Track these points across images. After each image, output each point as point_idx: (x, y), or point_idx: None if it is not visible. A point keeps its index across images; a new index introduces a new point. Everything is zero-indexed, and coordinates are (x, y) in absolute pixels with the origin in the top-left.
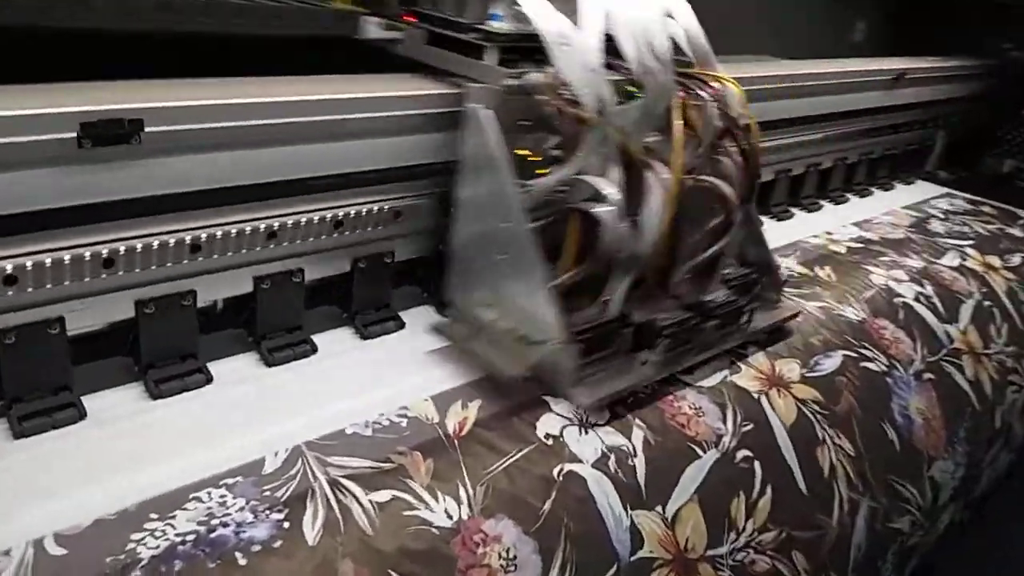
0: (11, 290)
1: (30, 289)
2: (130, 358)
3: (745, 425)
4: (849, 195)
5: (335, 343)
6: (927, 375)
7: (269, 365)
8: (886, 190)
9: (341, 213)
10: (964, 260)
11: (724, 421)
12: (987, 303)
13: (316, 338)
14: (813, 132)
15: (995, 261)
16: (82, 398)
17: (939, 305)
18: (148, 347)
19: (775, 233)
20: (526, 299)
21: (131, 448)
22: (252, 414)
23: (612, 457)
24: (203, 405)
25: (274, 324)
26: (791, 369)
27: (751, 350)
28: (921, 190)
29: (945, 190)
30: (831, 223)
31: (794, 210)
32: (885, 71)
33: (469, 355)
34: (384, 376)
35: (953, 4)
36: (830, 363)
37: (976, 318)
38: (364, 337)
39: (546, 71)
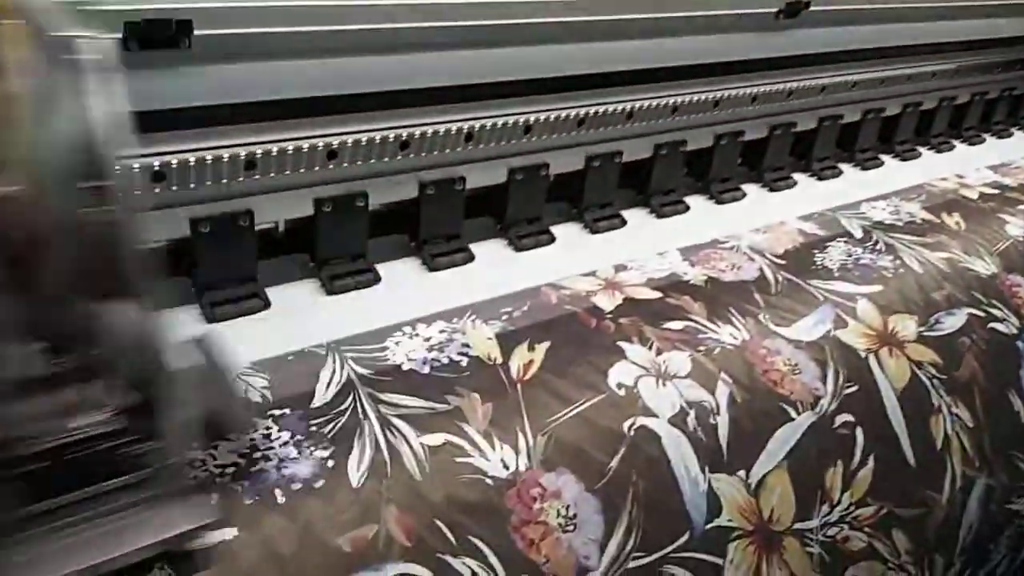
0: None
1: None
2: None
3: (848, 386)
4: (985, 135)
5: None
6: None
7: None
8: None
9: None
10: None
11: (823, 380)
12: None
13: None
14: (945, 62)
15: None
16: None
17: None
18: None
19: (898, 175)
20: None
21: None
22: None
23: (692, 413)
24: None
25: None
26: (906, 326)
27: (860, 301)
28: None
29: None
30: (962, 165)
31: (921, 149)
32: None
33: None
34: None
35: None
36: (952, 322)
37: None
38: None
39: None
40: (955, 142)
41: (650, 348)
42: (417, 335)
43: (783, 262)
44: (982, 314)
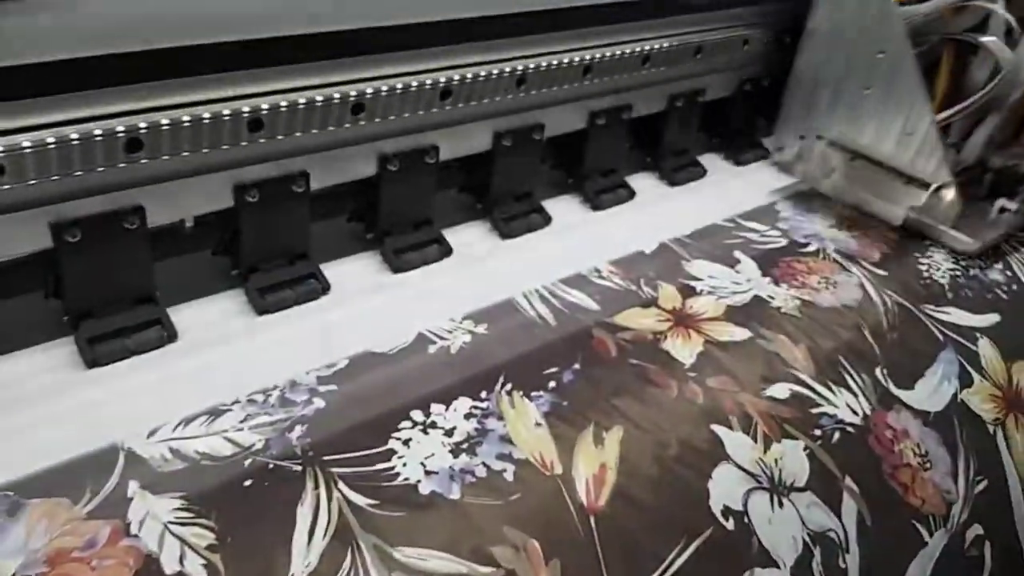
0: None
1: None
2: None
3: (979, 481)
4: None
5: None
6: None
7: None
8: None
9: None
10: None
11: (955, 476)
12: None
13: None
14: None
15: None
16: None
17: None
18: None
19: None
20: (898, 137)
21: None
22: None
23: (817, 554)
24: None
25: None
26: None
27: (980, 342)
28: None
29: None
30: None
31: None
32: None
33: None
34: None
35: None
36: None
37: None
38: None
39: None
40: None
41: (755, 436)
42: (434, 425)
43: (885, 274)
44: None
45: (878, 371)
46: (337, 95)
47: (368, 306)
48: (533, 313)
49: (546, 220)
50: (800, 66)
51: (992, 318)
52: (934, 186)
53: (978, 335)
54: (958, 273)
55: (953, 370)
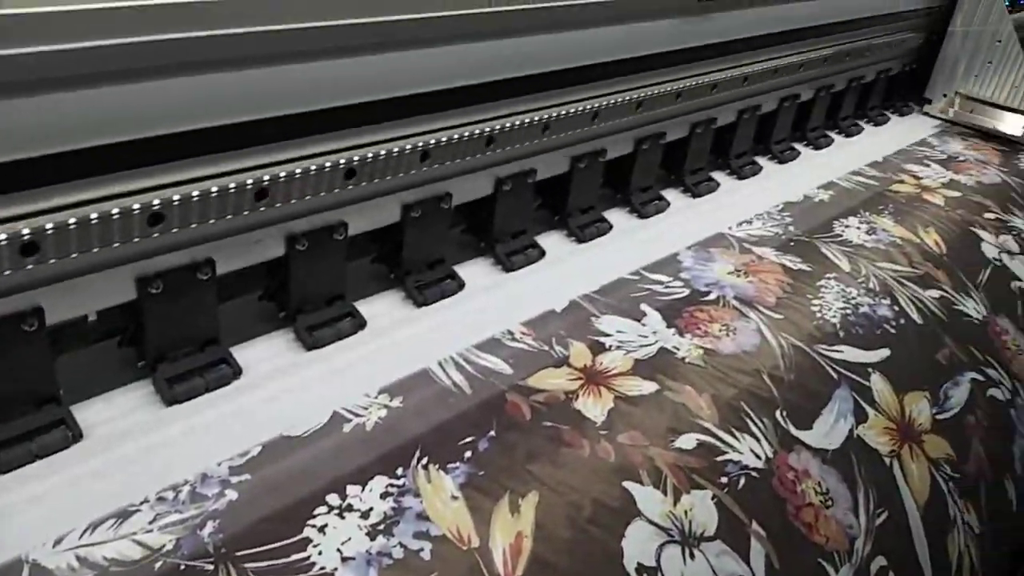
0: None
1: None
2: None
3: (879, 514)
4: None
5: None
6: None
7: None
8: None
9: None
10: None
11: (855, 510)
12: None
13: None
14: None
15: None
16: None
17: None
18: None
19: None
20: (1011, 89)
21: None
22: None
23: None
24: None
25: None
26: (921, 410)
27: (872, 377)
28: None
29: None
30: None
31: (832, 134)
32: None
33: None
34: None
35: None
36: (959, 395)
37: None
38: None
39: None
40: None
41: (664, 489)
42: (350, 508)
43: (780, 317)
44: (982, 378)
45: (778, 413)
46: (234, 184)
47: (282, 387)
48: (448, 382)
49: (459, 285)
50: (945, 53)
51: (883, 353)
52: None
53: (870, 370)
54: (848, 312)
55: (848, 407)
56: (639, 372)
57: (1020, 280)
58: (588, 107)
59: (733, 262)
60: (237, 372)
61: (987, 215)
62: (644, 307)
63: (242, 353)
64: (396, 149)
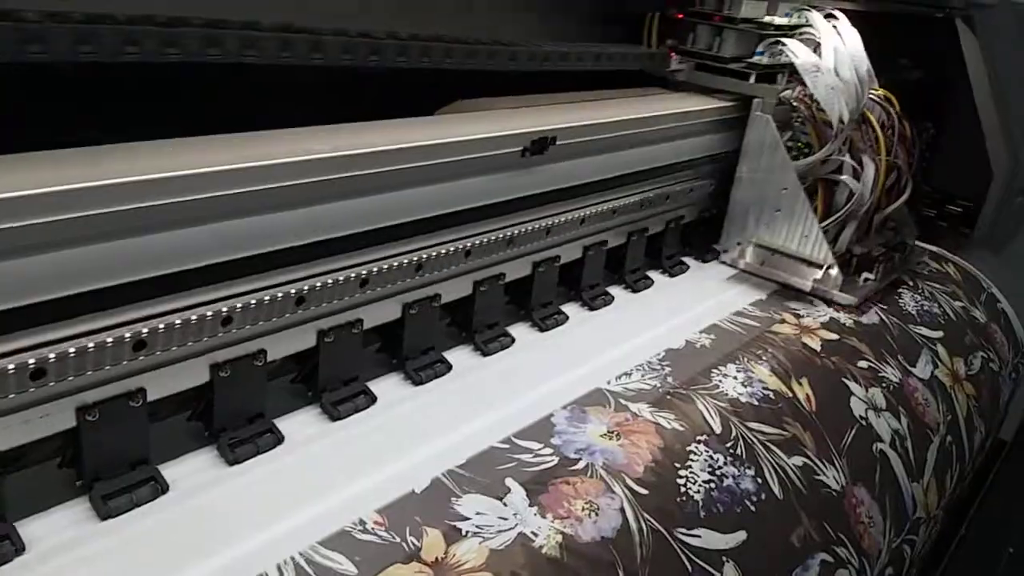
0: None
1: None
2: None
3: None
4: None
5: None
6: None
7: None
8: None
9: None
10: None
11: None
12: (949, 439)
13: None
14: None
15: (961, 368)
16: None
17: (910, 451)
18: None
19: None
20: (799, 240)
21: None
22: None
23: None
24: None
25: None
26: None
27: (725, 568)
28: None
29: None
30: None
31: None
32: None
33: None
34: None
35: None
36: None
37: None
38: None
39: (793, 88)
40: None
41: None
42: None
43: (645, 492)
44: (831, 559)
45: None
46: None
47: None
48: None
49: (371, 400)
50: (734, 199)
51: (739, 536)
52: (825, 267)
53: (724, 559)
54: (713, 486)
55: None
56: (491, 567)
57: (882, 441)
58: (501, 235)
59: (607, 422)
60: (164, 488)
61: (860, 363)
62: (509, 482)
63: (171, 468)
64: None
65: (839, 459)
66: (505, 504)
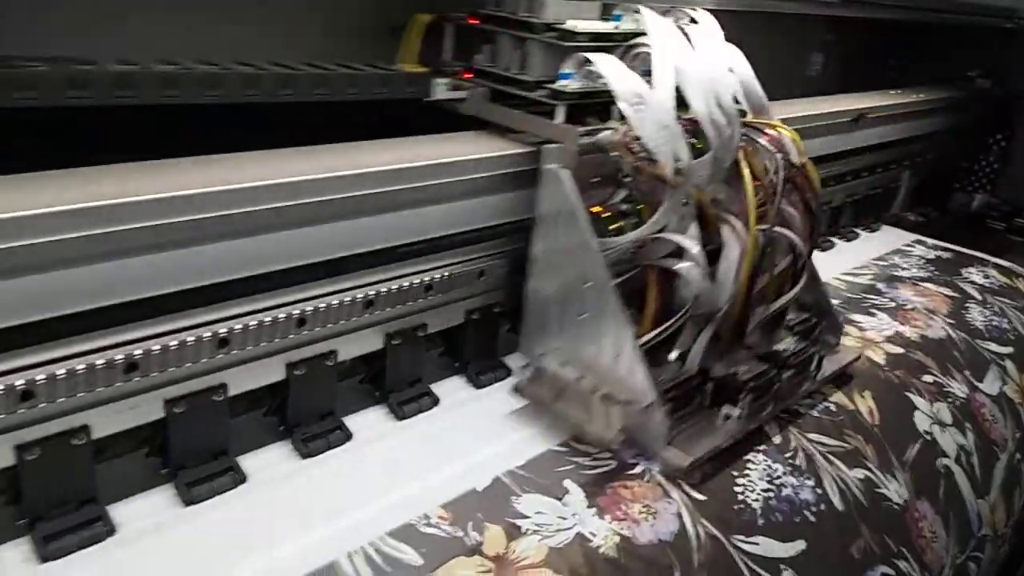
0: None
1: None
2: None
3: None
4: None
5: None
6: None
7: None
8: (848, 240)
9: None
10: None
11: None
12: (1018, 457)
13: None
14: None
15: None
16: None
17: (976, 467)
18: None
19: None
20: (612, 359)
21: None
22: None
23: None
24: None
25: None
26: None
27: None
28: (888, 236)
29: (915, 236)
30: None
31: None
32: (842, 112)
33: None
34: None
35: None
36: None
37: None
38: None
39: (617, 128)
40: None
41: None
42: None
43: (703, 499)
44: (892, 572)
45: None
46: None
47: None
48: None
49: (347, 436)
50: (530, 291)
51: (799, 545)
52: (643, 404)
53: (783, 567)
54: (771, 495)
55: None
56: (551, 564)
57: (947, 457)
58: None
59: None
60: (111, 530)
61: (925, 377)
62: (567, 483)
63: (120, 509)
64: (268, 319)
65: (902, 473)
66: (564, 505)
